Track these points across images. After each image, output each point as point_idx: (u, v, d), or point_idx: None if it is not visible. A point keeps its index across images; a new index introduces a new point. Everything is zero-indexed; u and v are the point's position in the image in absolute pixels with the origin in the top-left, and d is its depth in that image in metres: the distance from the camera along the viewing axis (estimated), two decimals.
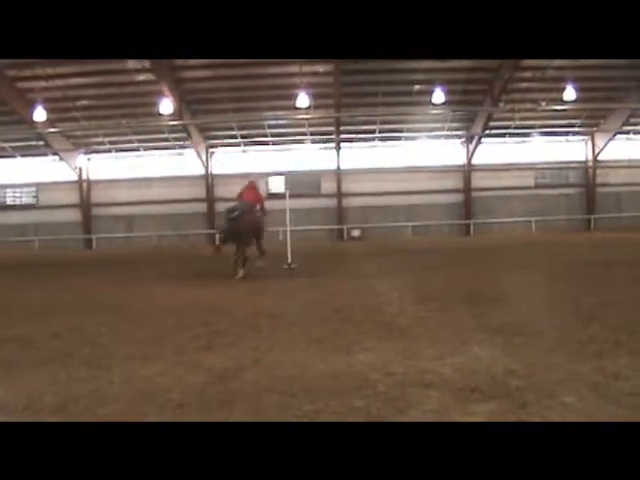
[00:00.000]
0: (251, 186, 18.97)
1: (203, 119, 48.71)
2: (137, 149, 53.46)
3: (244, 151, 54.04)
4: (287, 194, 21.18)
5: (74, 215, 54.75)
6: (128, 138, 51.73)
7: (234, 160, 54.02)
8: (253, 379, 5.39)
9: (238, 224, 17.08)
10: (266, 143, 53.31)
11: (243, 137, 52.34)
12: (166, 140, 51.89)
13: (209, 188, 53.74)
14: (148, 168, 54.01)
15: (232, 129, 50.99)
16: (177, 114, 44.53)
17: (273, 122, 49.40)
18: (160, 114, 44.36)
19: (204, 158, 53.24)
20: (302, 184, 49.29)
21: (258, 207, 18.70)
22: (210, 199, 53.65)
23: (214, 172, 54.11)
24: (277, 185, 48.30)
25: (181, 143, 52.13)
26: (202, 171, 53.56)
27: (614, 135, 52.77)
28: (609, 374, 5.16)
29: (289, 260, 18.92)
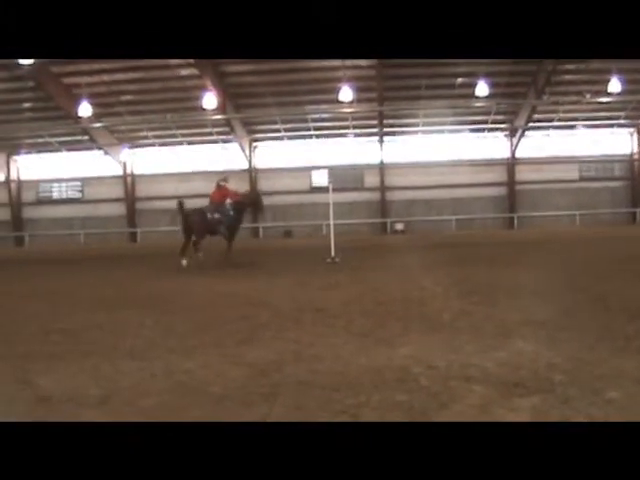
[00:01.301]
0: (218, 186, 21.60)
1: (246, 113, 48.87)
2: (181, 143, 53.74)
3: (288, 145, 54.11)
4: (330, 188, 21.20)
5: (119, 209, 55.23)
6: (172, 132, 52.02)
7: (277, 154, 54.15)
8: (295, 373, 5.39)
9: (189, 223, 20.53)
10: (309, 137, 53.34)
11: (286, 131, 52.41)
12: (210, 134, 52.15)
13: (252, 181, 53.85)
14: (192, 162, 54.25)
15: (275, 123, 51.09)
16: (220, 108, 44.68)
17: (316, 116, 49.37)
18: (203, 108, 44.51)
19: (247, 152, 53.38)
20: (345, 178, 49.33)
21: (228, 205, 21.03)
22: None
23: (257, 166, 54.25)
24: (320, 179, 48.44)
25: (224, 137, 52.32)
26: (245, 165, 53.70)
27: None
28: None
29: (332, 254, 18.92)
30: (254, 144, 54.02)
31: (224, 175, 23.64)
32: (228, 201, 21.20)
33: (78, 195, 56.03)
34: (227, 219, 20.79)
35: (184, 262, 19.04)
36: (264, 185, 52.76)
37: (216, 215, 20.75)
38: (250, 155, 53.72)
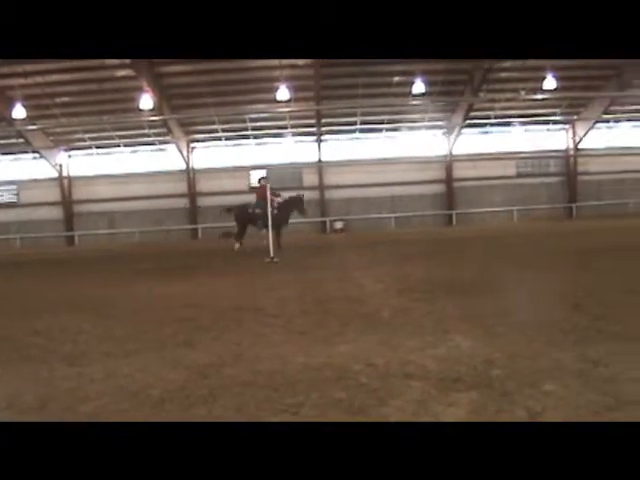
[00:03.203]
0: (260, 184, 25.12)
1: (183, 114, 48.64)
2: (118, 145, 53.37)
3: (225, 145, 54.00)
4: (268, 187, 21.24)
5: (56, 213, 54.68)
6: (109, 134, 51.66)
7: (215, 154, 54.04)
8: (234, 374, 5.37)
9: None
10: (247, 137, 53.30)
11: (224, 131, 52.30)
12: (147, 136, 51.90)
13: (191, 183, 53.67)
14: (129, 164, 53.92)
15: (213, 123, 50.96)
16: (157, 109, 44.47)
17: (254, 116, 49.36)
18: (140, 110, 44.29)
19: (185, 153, 53.17)
20: (284, 177, 49.22)
21: (275, 203, 23.95)
22: (192, 194, 53.63)
23: (196, 167, 54.07)
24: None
25: (162, 138, 52.09)
26: (183, 166, 53.49)
27: (594, 123, 53.04)
28: (591, 361, 5.17)
29: (271, 254, 18.93)
30: (192, 145, 53.81)
31: (264, 174, 26.00)
32: (277, 200, 24.60)
33: (13, 199, 55.30)
34: (266, 216, 22.33)
35: (236, 247, 24.56)
36: (202, 186, 52.78)
37: (257, 210, 24.33)
38: (188, 156, 53.51)
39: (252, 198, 26.33)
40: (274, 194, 23.62)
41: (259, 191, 25.15)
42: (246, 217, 25.70)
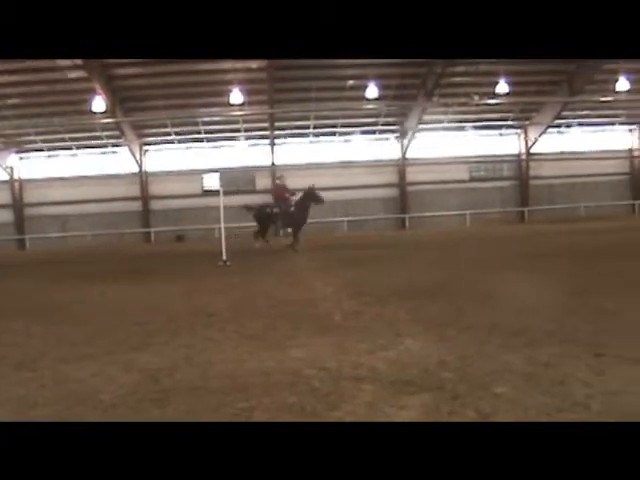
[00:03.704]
0: (276, 184, 26.84)
1: (136, 116, 48.33)
2: (70, 147, 52.88)
3: (179, 148, 53.78)
4: (221, 191, 21.18)
5: (6, 216, 53.97)
6: (61, 137, 51.14)
7: (168, 158, 53.82)
8: (186, 378, 5.36)
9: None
10: (200, 140, 53.11)
11: (177, 134, 52.08)
12: (99, 138, 51.45)
13: (143, 186, 53.38)
14: (82, 167, 53.49)
15: (166, 126, 50.68)
16: (110, 112, 44.16)
17: (207, 119, 49.23)
18: (93, 112, 43.96)
19: (138, 156, 52.86)
20: (237, 181, 49.14)
21: (291, 202, 25.63)
22: (145, 197, 53.35)
23: (148, 170, 53.78)
24: (212, 182, 48.15)
25: (115, 141, 51.73)
26: (136, 169, 53.19)
27: (546, 128, 53.52)
28: (541, 363, 5.23)
29: (224, 257, 18.88)
30: (145, 148, 53.53)
31: (280, 173, 27.36)
32: (293, 198, 25.82)
33: None
34: (285, 214, 24.64)
35: (257, 245, 25.64)
36: (155, 189, 52.47)
37: (275, 210, 25.31)
38: (141, 159, 53.20)
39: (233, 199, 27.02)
40: (289, 193, 25.20)
41: (276, 190, 26.34)
42: (265, 217, 26.48)
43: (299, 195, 26.30)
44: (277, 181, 26.50)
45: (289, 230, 25.68)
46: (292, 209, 24.85)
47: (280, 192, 25.01)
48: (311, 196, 26.24)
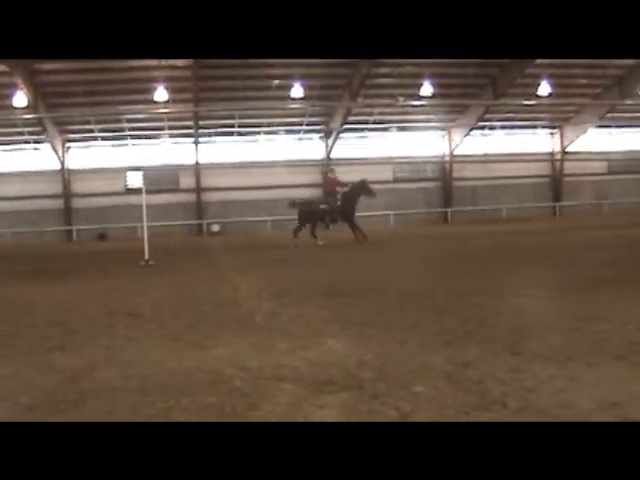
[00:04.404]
0: (325, 177, 27.01)
1: (59, 112, 47.71)
2: None
3: (102, 146, 53.24)
4: (144, 189, 21.03)
5: None
6: None
7: (91, 155, 53.23)
8: (105, 378, 5.32)
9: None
10: (124, 138, 52.64)
11: (100, 131, 51.55)
12: (21, 134, 50.66)
13: (65, 184, 52.73)
14: (2, 163, 52.62)
15: (89, 123, 50.13)
16: (32, 107, 43.55)
17: (131, 116, 48.82)
18: (14, 107, 43.30)
19: (60, 153, 52.19)
20: (160, 179, 48.83)
21: (338, 195, 25.31)
22: (67, 195, 52.68)
23: (71, 167, 53.13)
24: (135, 180, 47.82)
25: (36, 137, 51.01)
26: (58, 166, 52.51)
27: (470, 130, 54.17)
28: (460, 363, 5.29)
29: (146, 256, 18.75)
30: (67, 145, 52.87)
31: (329, 167, 27.11)
32: (339, 191, 25.18)
33: None
34: (333, 208, 24.58)
35: (320, 242, 25.00)
36: (78, 187, 51.92)
37: (322, 205, 25.05)
38: (63, 156, 52.54)
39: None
40: (339, 184, 25.13)
41: (328, 184, 26.10)
42: (312, 213, 26.08)
43: (348, 187, 25.97)
44: (329, 174, 26.45)
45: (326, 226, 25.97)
46: (339, 203, 24.83)
47: (332, 185, 24.78)
48: (363, 189, 25.81)
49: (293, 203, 27.51)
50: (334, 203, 24.63)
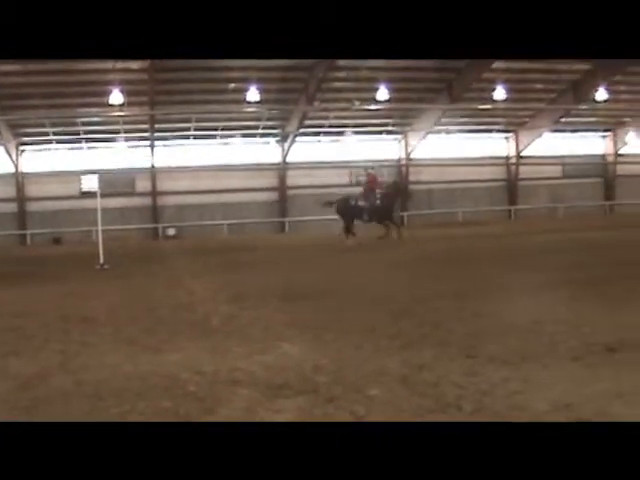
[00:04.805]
0: (367, 175, 26.47)
1: (12, 115, 47.19)
2: None
3: (57, 149, 52.78)
4: (98, 193, 20.90)
5: None
6: None
7: (46, 158, 52.75)
8: (60, 384, 5.28)
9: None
10: (79, 141, 52.20)
11: (55, 134, 51.07)
12: None
13: (19, 187, 52.20)
14: None
15: (44, 126, 49.63)
16: None
17: (86, 119, 48.42)
18: None
19: (14, 156, 51.65)
20: (116, 183, 48.52)
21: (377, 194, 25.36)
22: (20, 198, 52.14)
23: (25, 170, 52.59)
24: (90, 184, 47.45)
25: None
26: (12, 169, 51.96)
27: (426, 134, 54.35)
28: (415, 366, 5.31)
29: (101, 260, 18.61)
30: (21, 148, 52.32)
31: (372, 165, 29.90)
32: (378, 191, 25.31)
33: None
34: (372, 207, 24.54)
35: (349, 242, 24.76)
36: (32, 190, 51.38)
37: (361, 203, 25.13)
38: (17, 159, 51.99)
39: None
40: (379, 185, 25.40)
41: (369, 182, 25.95)
42: (350, 210, 25.99)
43: (386, 188, 26.28)
44: (370, 170, 26.67)
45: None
46: (378, 202, 24.75)
47: (372, 183, 24.85)
48: (400, 191, 26.56)
49: (329, 202, 27.46)
50: (374, 201, 24.69)
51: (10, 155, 50.73)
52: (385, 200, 25.15)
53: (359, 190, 27.11)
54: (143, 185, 52.55)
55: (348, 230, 25.80)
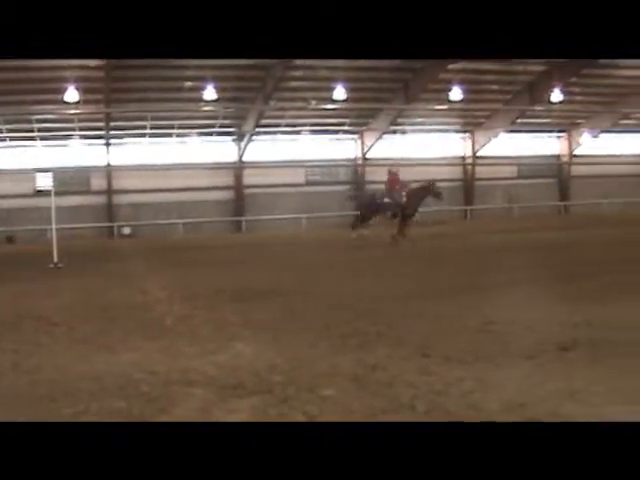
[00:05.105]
0: (390, 174, 25.97)
1: None
2: None
3: (10, 147, 52.26)
4: (52, 191, 20.73)
5: None
6: None
7: None
8: (12, 384, 5.23)
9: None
10: (33, 138, 51.71)
11: (8, 132, 50.56)
12: None
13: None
14: None
15: None
16: None
17: (40, 117, 47.95)
18: None
19: None
20: (71, 181, 48.16)
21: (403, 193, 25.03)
22: None
23: None
24: (44, 182, 47.07)
25: None
26: None
27: (382, 134, 54.51)
28: (369, 365, 5.31)
29: (55, 259, 18.46)
30: None
31: (395, 164, 29.95)
32: (398, 189, 25.06)
33: None
34: (397, 204, 24.40)
35: (353, 235, 25.03)
36: None
37: (386, 199, 24.88)
38: None
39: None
40: (402, 184, 25.12)
41: (389, 180, 25.66)
42: (373, 206, 25.95)
43: (414, 186, 26.04)
44: (392, 169, 26.48)
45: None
46: (404, 200, 24.64)
47: (392, 183, 24.77)
48: (431, 191, 25.94)
49: (353, 197, 27.54)
50: (399, 199, 24.68)
51: None
52: (412, 198, 25.18)
53: (381, 188, 27.17)
54: (98, 183, 52.18)
55: (363, 220, 26.24)
